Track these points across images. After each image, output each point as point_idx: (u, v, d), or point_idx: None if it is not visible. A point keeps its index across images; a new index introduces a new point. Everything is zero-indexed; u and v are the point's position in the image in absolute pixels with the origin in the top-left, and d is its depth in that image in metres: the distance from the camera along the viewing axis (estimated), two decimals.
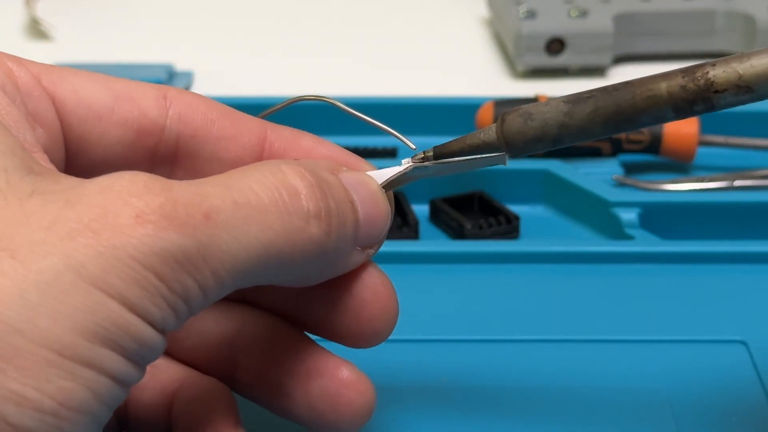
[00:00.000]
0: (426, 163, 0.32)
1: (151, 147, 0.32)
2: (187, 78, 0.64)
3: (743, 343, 0.40)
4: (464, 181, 0.51)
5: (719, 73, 0.29)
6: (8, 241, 0.25)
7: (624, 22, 0.65)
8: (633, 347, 0.40)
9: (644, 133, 0.53)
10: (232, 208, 0.27)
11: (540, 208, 0.52)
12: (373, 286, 0.32)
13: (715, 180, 0.52)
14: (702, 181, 0.52)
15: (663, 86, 0.30)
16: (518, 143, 0.31)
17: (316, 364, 0.32)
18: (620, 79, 0.31)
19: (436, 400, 0.37)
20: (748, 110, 0.55)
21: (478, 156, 0.32)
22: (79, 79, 0.32)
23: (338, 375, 0.31)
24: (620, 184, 0.51)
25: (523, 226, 0.49)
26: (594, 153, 0.53)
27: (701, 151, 0.53)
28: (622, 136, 0.53)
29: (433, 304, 0.42)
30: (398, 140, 0.33)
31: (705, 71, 0.29)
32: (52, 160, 0.30)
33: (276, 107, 0.34)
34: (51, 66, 0.32)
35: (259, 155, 0.33)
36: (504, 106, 0.52)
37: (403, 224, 0.48)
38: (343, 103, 0.34)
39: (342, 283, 0.32)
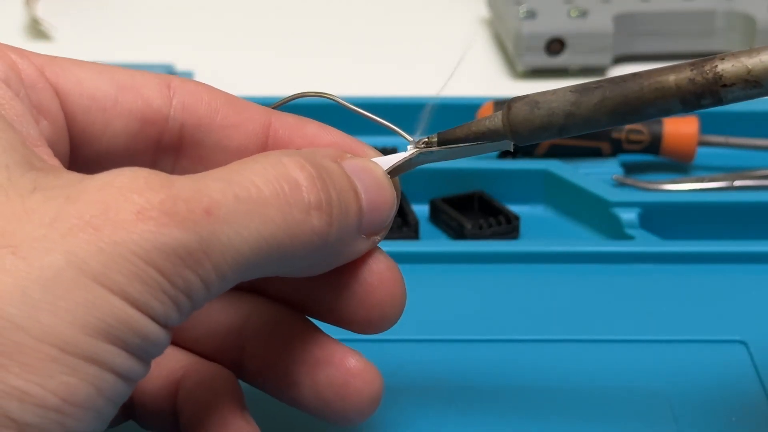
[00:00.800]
0: (431, 149, 0.32)
1: (155, 137, 0.32)
2: (187, 78, 0.64)
3: (743, 343, 0.40)
4: (464, 181, 0.51)
5: (728, 67, 0.29)
6: (9, 237, 0.25)
7: (624, 22, 0.65)
8: (633, 347, 0.40)
9: (644, 133, 0.53)
10: (233, 202, 0.27)
11: (540, 208, 0.52)
12: (379, 272, 0.32)
13: (715, 180, 0.51)
14: (702, 181, 0.52)
15: (671, 79, 0.30)
16: (524, 131, 0.31)
17: (323, 352, 0.32)
18: None
19: (436, 400, 0.37)
20: (748, 110, 0.55)
21: (486, 143, 0.32)
22: (82, 70, 0.32)
23: (346, 364, 0.32)
24: (620, 184, 0.51)
25: (523, 226, 0.49)
26: (594, 153, 0.53)
27: (701, 151, 0.53)
28: (623, 136, 0.53)
29: (433, 305, 0.42)
30: (399, 139, 0.33)
31: (714, 65, 0.29)
32: (57, 153, 0.30)
33: (278, 103, 0.34)
34: (54, 57, 0.32)
35: (264, 143, 0.33)
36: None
37: (403, 224, 0.48)
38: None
39: (349, 269, 0.32)
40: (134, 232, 0.25)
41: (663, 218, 0.49)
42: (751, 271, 0.45)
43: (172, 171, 0.33)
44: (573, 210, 0.50)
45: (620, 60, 0.66)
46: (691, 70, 0.29)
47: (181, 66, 0.65)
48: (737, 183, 0.51)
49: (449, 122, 0.58)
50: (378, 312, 0.32)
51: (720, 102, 0.29)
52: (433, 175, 0.51)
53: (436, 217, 0.50)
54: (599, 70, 0.65)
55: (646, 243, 0.46)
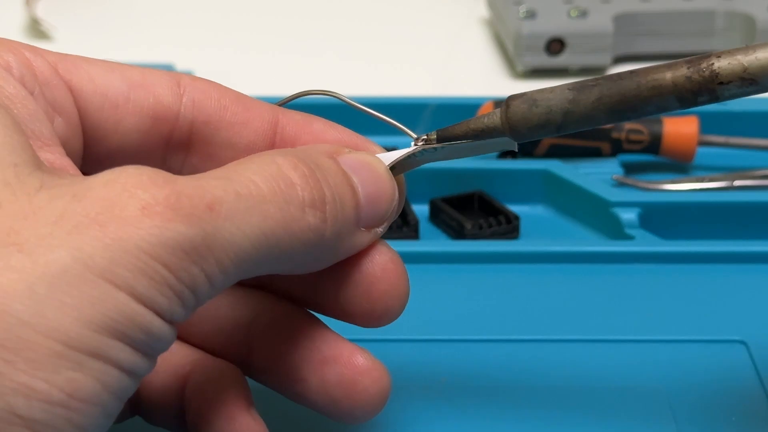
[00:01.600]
0: (435, 145, 0.33)
1: (165, 134, 0.32)
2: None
3: (743, 343, 0.40)
4: (464, 181, 0.51)
5: (724, 64, 0.29)
6: (16, 235, 0.25)
7: (624, 22, 0.65)
8: (633, 347, 0.40)
9: (644, 133, 0.53)
10: (234, 199, 0.27)
11: (540, 208, 0.52)
12: (382, 263, 0.32)
13: (715, 180, 0.51)
14: (702, 181, 0.52)
15: (668, 76, 0.30)
16: (522, 129, 0.31)
17: (332, 350, 0.32)
18: None
19: (436, 400, 0.37)
20: (748, 110, 0.55)
21: (487, 141, 0.32)
22: (94, 67, 0.32)
23: (354, 362, 0.32)
24: (620, 184, 0.51)
25: (523, 226, 0.49)
26: (594, 153, 0.53)
27: (701, 151, 0.53)
28: (623, 136, 0.53)
29: (433, 304, 0.42)
30: (403, 139, 0.33)
31: (710, 62, 0.29)
32: (71, 150, 0.31)
33: (283, 101, 0.34)
34: (66, 55, 0.32)
35: (272, 140, 0.33)
36: None
37: (403, 224, 0.48)
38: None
39: (352, 261, 0.32)
40: (140, 227, 0.25)
41: (663, 218, 0.49)
42: (751, 271, 0.45)
43: (181, 168, 0.33)
44: (573, 210, 0.50)
45: (620, 60, 0.66)
46: (688, 67, 0.30)
47: (180, 66, 0.65)
48: (737, 183, 0.51)
49: (450, 122, 0.57)
50: (381, 304, 0.32)
51: (716, 99, 0.30)
52: (433, 175, 0.51)
53: (436, 217, 0.50)
54: (599, 70, 0.65)
55: (646, 243, 0.46)
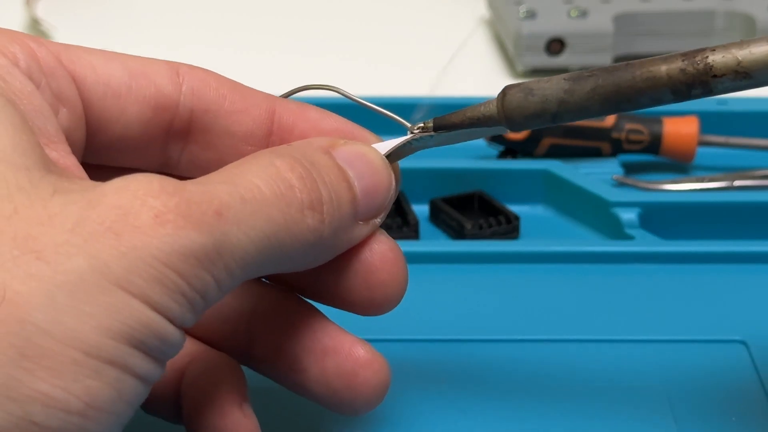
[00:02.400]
0: (430, 133, 0.33)
1: (166, 123, 0.33)
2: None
3: (743, 343, 0.40)
4: (464, 181, 0.51)
5: (718, 58, 0.29)
6: (34, 242, 0.25)
7: (624, 22, 0.65)
8: (633, 347, 0.40)
9: (644, 133, 0.53)
10: (240, 204, 0.28)
11: (540, 208, 0.52)
12: (381, 252, 0.32)
13: (715, 180, 0.51)
14: (702, 181, 0.52)
15: (663, 68, 0.30)
16: (518, 118, 0.31)
17: (332, 341, 0.32)
18: None
19: (436, 400, 0.37)
20: (748, 110, 0.56)
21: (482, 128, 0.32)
22: (96, 57, 0.32)
23: (354, 353, 0.32)
24: (620, 184, 0.51)
25: (523, 226, 0.49)
26: (594, 153, 0.53)
27: (701, 151, 0.53)
28: (623, 136, 0.53)
29: (433, 304, 0.42)
30: (400, 133, 0.33)
31: (705, 56, 0.29)
32: (74, 140, 0.31)
33: (283, 95, 0.35)
34: (68, 45, 0.32)
35: (269, 128, 0.33)
36: None
37: (403, 224, 0.48)
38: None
39: (351, 251, 0.32)
40: (154, 236, 0.26)
41: (663, 218, 0.49)
42: (751, 271, 0.45)
43: (180, 156, 0.34)
44: (573, 210, 0.50)
45: (620, 60, 0.66)
46: (683, 60, 0.30)
47: None
48: (737, 183, 0.51)
49: None
50: (380, 292, 0.32)
51: (710, 93, 0.30)
52: (433, 174, 0.51)
53: (436, 217, 0.50)
54: None
55: (646, 243, 0.46)
